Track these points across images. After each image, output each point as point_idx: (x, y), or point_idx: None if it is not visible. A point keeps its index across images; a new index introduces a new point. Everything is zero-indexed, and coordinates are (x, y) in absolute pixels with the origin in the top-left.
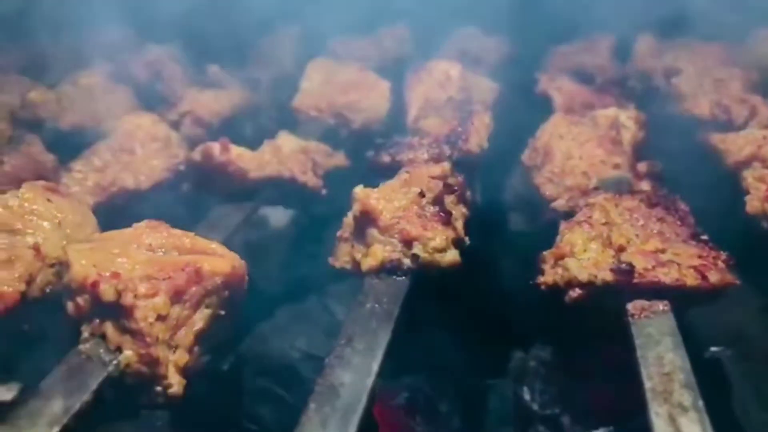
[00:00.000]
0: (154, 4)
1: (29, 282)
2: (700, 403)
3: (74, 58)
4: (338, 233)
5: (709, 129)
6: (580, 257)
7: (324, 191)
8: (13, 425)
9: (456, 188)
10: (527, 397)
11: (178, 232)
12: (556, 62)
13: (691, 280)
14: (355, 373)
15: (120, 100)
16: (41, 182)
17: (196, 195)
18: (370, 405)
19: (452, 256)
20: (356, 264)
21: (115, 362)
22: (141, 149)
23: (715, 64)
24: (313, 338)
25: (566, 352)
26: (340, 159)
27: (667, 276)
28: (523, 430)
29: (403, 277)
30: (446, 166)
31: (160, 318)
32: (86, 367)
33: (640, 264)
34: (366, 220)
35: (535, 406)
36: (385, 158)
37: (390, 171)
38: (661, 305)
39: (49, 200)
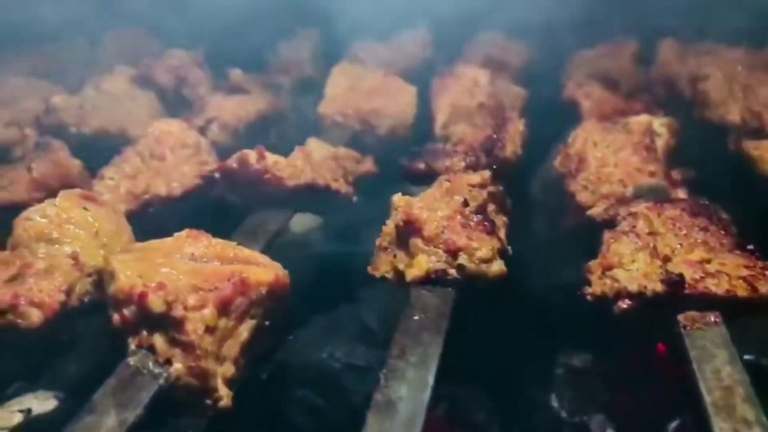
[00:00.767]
0: (171, 8)
1: (69, 292)
2: (764, 418)
3: (90, 61)
4: (377, 242)
5: (740, 135)
6: (629, 268)
7: (355, 198)
8: None
9: (499, 197)
10: (555, 404)
11: (219, 241)
12: (579, 68)
13: (741, 291)
14: (411, 386)
15: (143, 105)
16: (77, 191)
17: (219, 202)
18: (427, 419)
19: (498, 266)
20: (398, 273)
21: (165, 375)
22: (171, 155)
23: (742, 69)
24: (351, 347)
25: (595, 358)
26: (368, 165)
27: (717, 287)
28: None
29: (449, 288)
30: (486, 174)
31: (209, 330)
32: (136, 380)
33: (687, 274)
34: (409, 229)
35: (563, 413)
36: (420, 165)
37: (424, 178)
38: (713, 316)
39: (85, 209)
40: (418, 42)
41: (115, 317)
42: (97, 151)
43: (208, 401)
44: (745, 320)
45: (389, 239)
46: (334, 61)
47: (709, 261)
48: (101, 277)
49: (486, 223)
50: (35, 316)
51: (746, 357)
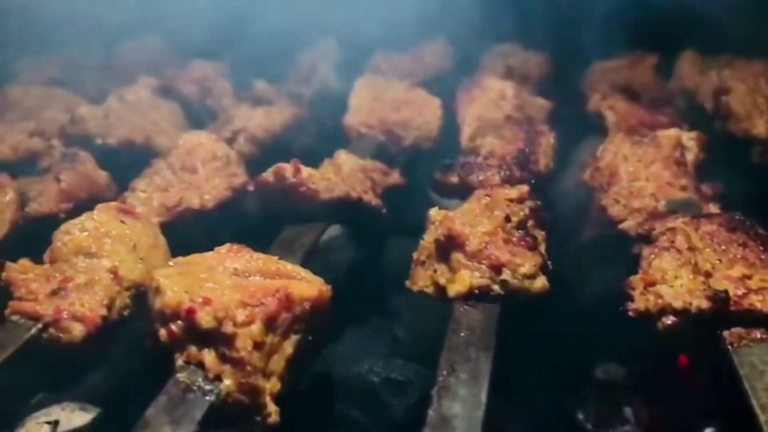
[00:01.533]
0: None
1: (109, 306)
2: None
3: (108, 70)
4: (414, 255)
5: (765, 149)
6: (672, 284)
7: (384, 211)
8: None
9: (538, 212)
10: (581, 416)
11: (261, 255)
12: (600, 79)
13: None
14: (464, 404)
15: (167, 116)
16: (113, 204)
17: (244, 215)
18: None
19: (542, 282)
20: (438, 289)
21: (215, 392)
22: (202, 168)
23: (765, 82)
24: (388, 361)
25: (621, 371)
26: (395, 177)
27: (763, 304)
28: None
29: (493, 304)
30: (524, 189)
31: (257, 346)
32: (187, 397)
33: (730, 291)
34: (450, 244)
35: (589, 426)
36: (454, 179)
37: (456, 191)
38: (759, 333)
39: (122, 222)
40: (436, 53)
41: (162, 332)
42: (123, 163)
43: (258, 418)
44: None
45: (427, 253)
46: (351, 72)
47: (750, 277)
48: (139, 291)
49: (528, 238)
50: (77, 330)
51: None
